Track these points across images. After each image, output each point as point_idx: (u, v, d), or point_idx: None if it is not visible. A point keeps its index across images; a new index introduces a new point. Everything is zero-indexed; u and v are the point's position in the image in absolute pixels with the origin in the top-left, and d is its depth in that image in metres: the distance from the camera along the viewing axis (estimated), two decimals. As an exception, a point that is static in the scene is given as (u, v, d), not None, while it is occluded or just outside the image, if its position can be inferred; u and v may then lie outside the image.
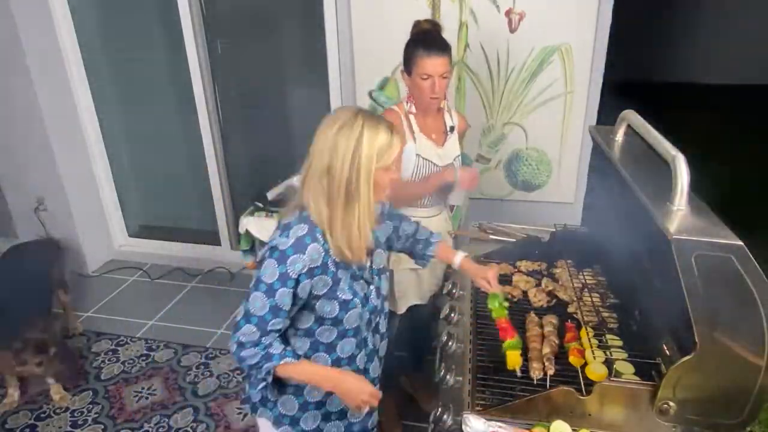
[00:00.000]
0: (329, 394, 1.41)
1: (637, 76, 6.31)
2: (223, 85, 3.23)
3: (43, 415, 2.47)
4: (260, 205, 2.60)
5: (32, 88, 3.10)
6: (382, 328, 1.52)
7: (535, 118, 2.72)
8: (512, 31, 2.58)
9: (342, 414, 1.48)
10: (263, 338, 1.28)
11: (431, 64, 1.81)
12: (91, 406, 2.52)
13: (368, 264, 1.42)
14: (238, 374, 2.71)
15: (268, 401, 1.45)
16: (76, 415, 2.47)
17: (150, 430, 2.39)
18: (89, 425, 2.42)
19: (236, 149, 3.39)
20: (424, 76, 1.82)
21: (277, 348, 1.29)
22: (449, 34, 2.64)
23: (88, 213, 3.54)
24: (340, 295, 1.33)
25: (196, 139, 3.32)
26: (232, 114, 3.30)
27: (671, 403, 1.23)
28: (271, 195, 2.73)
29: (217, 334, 2.99)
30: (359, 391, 1.32)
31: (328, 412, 1.46)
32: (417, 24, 1.94)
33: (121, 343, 2.92)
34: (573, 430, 1.26)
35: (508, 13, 2.55)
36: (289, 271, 1.25)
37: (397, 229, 1.64)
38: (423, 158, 1.93)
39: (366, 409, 1.36)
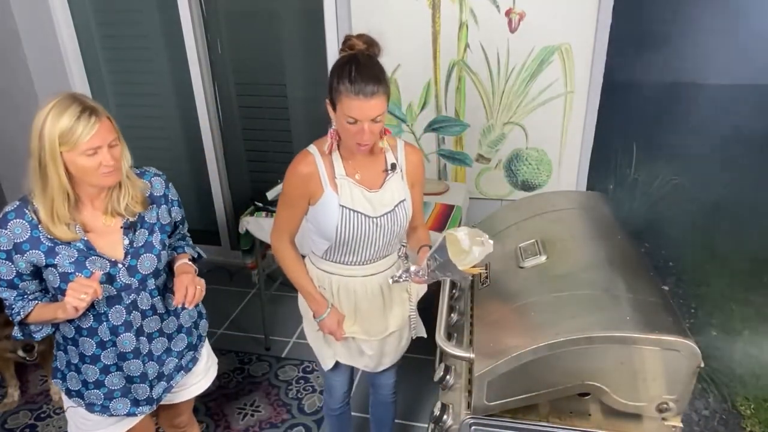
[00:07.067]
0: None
1: (637, 76, 6.31)
2: (223, 85, 3.23)
3: (43, 415, 2.47)
4: (260, 205, 2.60)
5: (33, 89, 3.10)
6: (144, 305, 1.54)
7: (535, 118, 2.73)
8: (512, 31, 2.58)
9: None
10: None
11: (359, 107, 1.38)
12: (91, 406, 2.52)
13: (125, 241, 1.47)
14: (238, 374, 2.71)
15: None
16: (76, 415, 2.47)
17: (150, 430, 2.39)
18: (89, 425, 2.42)
19: (236, 149, 3.40)
20: (350, 119, 1.41)
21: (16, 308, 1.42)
22: (449, 34, 2.67)
23: (88, 213, 3.54)
24: (59, 268, 1.39)
25: (197, 139, 3.32)
26: (231, 113, 3.30)
27: (671, 403, 1.23)
28: (271, 195, 2.73)
29: (216, 334, 2.99)
30: (77, 298, 1.31)
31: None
32: (348, 40, 1.47)
33: (121, 343, 2.92)
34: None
35: (508, 13, 2.56)
36: None
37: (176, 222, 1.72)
38: (348, 209, 1.52)
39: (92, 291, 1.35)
